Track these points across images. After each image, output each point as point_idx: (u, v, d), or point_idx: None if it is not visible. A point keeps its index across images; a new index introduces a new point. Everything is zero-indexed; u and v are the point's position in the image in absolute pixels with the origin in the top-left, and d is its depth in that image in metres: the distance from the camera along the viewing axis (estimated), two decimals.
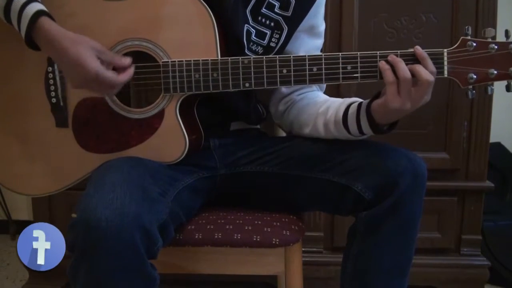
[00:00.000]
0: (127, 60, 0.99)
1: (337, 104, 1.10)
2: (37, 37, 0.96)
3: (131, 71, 0.99)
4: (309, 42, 1.19)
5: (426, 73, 0.94)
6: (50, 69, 1.06)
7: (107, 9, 1.04)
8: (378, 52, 0.97)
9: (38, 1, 0.98)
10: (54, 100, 1.07)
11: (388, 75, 0.95)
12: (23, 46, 0.98)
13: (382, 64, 0.97)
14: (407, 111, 0.96)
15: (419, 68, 0.94)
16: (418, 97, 0.95)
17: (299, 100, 1.19)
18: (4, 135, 1.10)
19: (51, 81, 1.07)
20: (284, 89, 1.21)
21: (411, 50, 0.97)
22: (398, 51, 0.97)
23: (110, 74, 0.96)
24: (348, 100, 1.09)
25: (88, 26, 1.03)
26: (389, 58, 0.96)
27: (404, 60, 0.95)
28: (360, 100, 1.06)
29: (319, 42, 1.21)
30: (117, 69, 0.98)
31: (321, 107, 1.12)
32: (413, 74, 0.94)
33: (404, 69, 0.94)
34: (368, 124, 1.02)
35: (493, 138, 1.70)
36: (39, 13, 0.95)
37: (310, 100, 1.18)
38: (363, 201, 1.03)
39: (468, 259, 1.73)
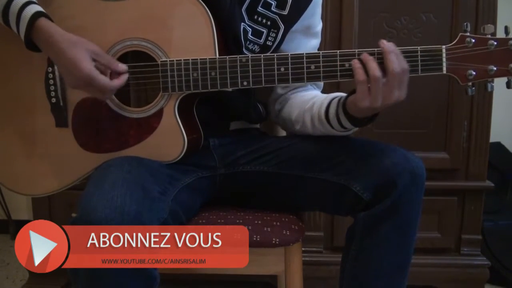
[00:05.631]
0: (123, 66, 1.01)
1: (321, 100, 1.10)
2: (36, 38, 0.97)
3: (124, 77, 1.01)
4: (307, 43, 1.19)
5: (396, 65, 0.92)
6: (50, 69, 1.07)
7: (106, 9, 1.04)
8: (376, 50, 0.96)
9: (36, 3, 0.98)
10: (54, 100, 1.07)
11: (359, 73, 0.95)
12: (23, 47, 0.99)
13: (355, 62, 0.96)
14: (379, 108, 0.96)
15: (389, 58, 0.93)
16: (387, 93, 0.93)
17: (292, 98, 1.20)
18: (4, 135, 1.10)
19: (51, 81, 1.07)
20: (279, 90, 1.21)
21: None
22: (375, 49, 0.95)
23: (102, 78, 0.96)
24: (331, 96, 1.09)
25: (87, 27, 1.03)
26: (361, 56, 0.96)
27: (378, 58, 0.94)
28: (342, 94, 1.05)
29: (316, 42, 1.21)
30: (113, 73, 0.99)
31: (308, 103, 1.13)
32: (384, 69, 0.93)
33: (374, 67, 0.94)
34: (346, 119, 1.02)
35: (493, 138, 1.70)
36: (37, 15, 0.96)
37: (301, 97, 1.18)
38: (361, 201, 1.02)
39: (468, 259, 1.73)
